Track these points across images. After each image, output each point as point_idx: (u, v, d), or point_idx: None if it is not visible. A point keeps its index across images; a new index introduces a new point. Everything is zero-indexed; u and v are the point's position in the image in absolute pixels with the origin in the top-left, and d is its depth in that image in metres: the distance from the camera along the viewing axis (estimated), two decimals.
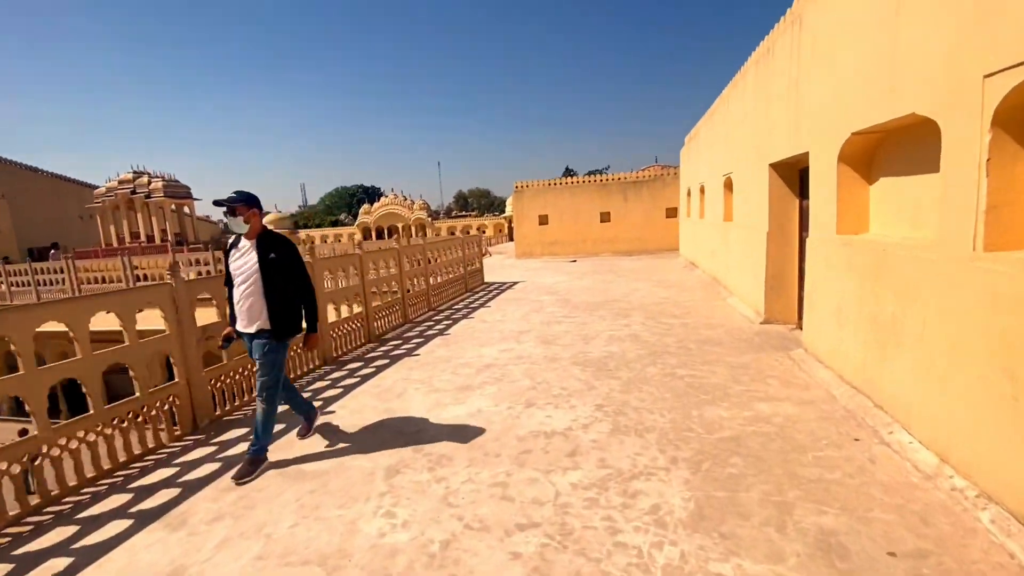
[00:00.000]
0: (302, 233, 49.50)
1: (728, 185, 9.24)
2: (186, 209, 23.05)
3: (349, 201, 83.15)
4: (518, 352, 6.05)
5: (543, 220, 20.35)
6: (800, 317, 6.23)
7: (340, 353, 6.33)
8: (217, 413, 4.40)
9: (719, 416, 3.81)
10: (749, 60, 7.35)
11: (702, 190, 12.23)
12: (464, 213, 77.17)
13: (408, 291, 8.51)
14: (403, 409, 4.40)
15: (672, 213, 19.03)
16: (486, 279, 13.43)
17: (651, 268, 13.92)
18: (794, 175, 6.19)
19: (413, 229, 45.27)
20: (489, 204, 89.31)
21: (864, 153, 4.16)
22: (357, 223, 47.67)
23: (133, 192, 21.43)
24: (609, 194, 19.64)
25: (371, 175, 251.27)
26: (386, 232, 46.03)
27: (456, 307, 9.59)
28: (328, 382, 5.33)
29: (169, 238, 21.29)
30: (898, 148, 3.80)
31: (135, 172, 21.94)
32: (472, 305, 9.71)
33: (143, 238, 20.84)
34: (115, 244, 21.86)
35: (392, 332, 7.63)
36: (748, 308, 7.21)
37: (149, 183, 21.55)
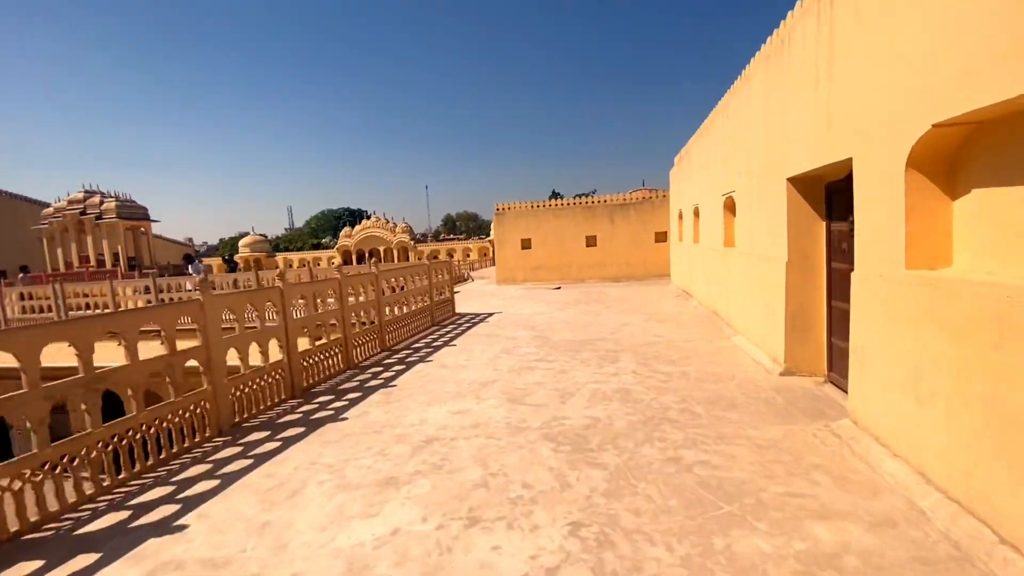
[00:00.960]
0: (280, 257, 47.81)
1: (729, 206, 8.09)
2: (143, 231, 21.46)
3: (335, 224, 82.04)
4: (475, 416, 4.67)
5: (526, 244, 19.16)
6: (830, 368, 4.96)
7: (244, 417, 4.89)
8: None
9: (758, 553, 2.46)
10: (754, 60, 6.26)
11: (696, 212, 11.12)
12: (451, 236, 76.42)
13: (356, 328, 7.12)
14: (285, 526, 2.98)
15: (662, 237, 17.98)
16: (460, 309, 12.08)
17: (641, 297, 12.69)
18: (818, 191, 5.00)
19: (395, 253, 43.91)
20: (477, 227, 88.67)
21: (946, 154, 2.95)
22: (337, 246, 46.18)
23: (83, 213, 19.88)
24: (595, 217, 18.56)
25: (360, 198, 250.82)
26: (367, 256, 44.59)
27: (416, 346, 8.20)
28: (208, 466, 3.89)
29: (121, 262, 19.68)
30: (1007, 143, 2.58)
31: (86, 192, 20.41)
32: (435, 343, 8.33)
33: (93, 262, 19.23)
34: (62, 268, 20.21)
35: (326, 382, 6.21)
36: (761, 353, 5.93)
37: (101, 203, 20.01)
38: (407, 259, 43.80)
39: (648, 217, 18.10)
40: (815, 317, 5.14)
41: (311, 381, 5.98)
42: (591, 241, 18.66)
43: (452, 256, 43.86)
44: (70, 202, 20.23)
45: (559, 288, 16.64)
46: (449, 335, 8.95)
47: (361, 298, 7.49)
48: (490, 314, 11.19)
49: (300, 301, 6.05)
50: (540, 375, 5.94)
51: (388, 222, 45.78)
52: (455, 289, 17.87)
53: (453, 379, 6.00)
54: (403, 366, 6.86)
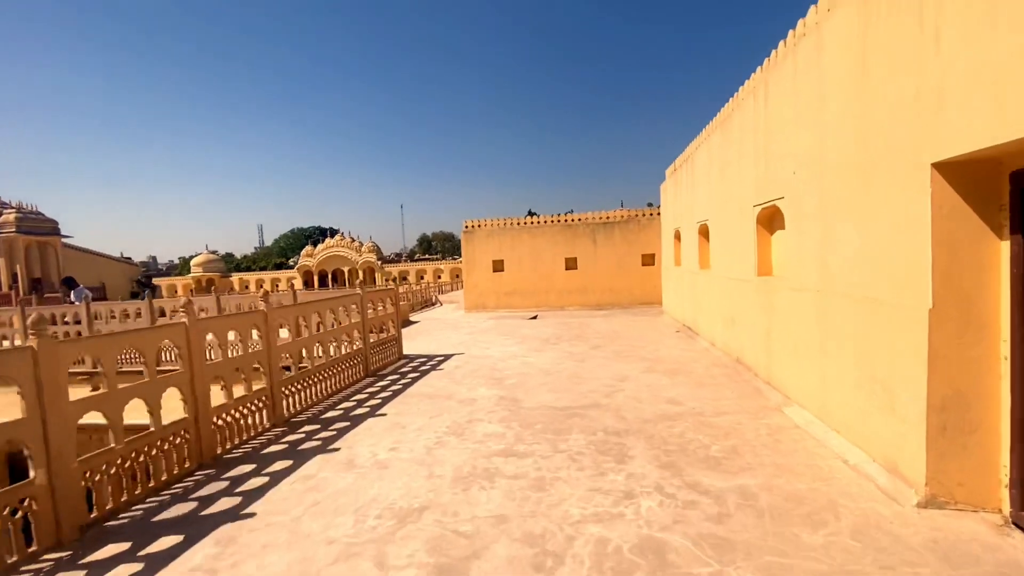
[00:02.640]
0: (236, 277, 44.40)
1: (765, 220, 5.95)
2: (52, 248, 18.35)
3: (304, 242, 79.20)
4: None
5: (498, 266, 16.87)
6: (1021, 504, 2.71)
7: None
8: None
9: None
10: None
11: (704, 231, 9.02)
12: (426, 257, 73.75)
13: (225, 396, 4.60)
14: None
15: (649, 260, 15.94)
16: (413, 347, 9.61)
17: (633, 332, 10.45)
18: (993, 186, 2.83)
19: (361, 273, 41.10)
20: (453, 248, 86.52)
21: None
22: (298, 266, 43.13)
23: None
24: (575, 237, 16.44)
25: (334, 218, 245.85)
26: (330, 277, 41.67)
27: (328, 415, 5.70)
28: None
29: (19, 283, 16.58)
30: None
31: None
32: (357, 410, 5.85)
33: None
34: None
35: (127, 514, 3.65)
36: (860, 454, 3.68)
37: None
38: (373, 280, 41.02)
39: (634, 238, 16.07)
40: (984, 408, 2.91)
41: (96, 514, 3.43)
42: (571, 264, 16.49)
43: (422, 278, 41.33)
44: None
45: (535, 317, 14.33)
46: (383, 395, 6.48)
47: (236, 351, 4.99)
48: (447, 357, 8.75)
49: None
50: (502, 493, 3.54)
51: (354, 241, 43.08)
52: (413, 319, 15.35)
53: (352, 505, 3.53)
54: (285, 463, 4.36)
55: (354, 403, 6.15)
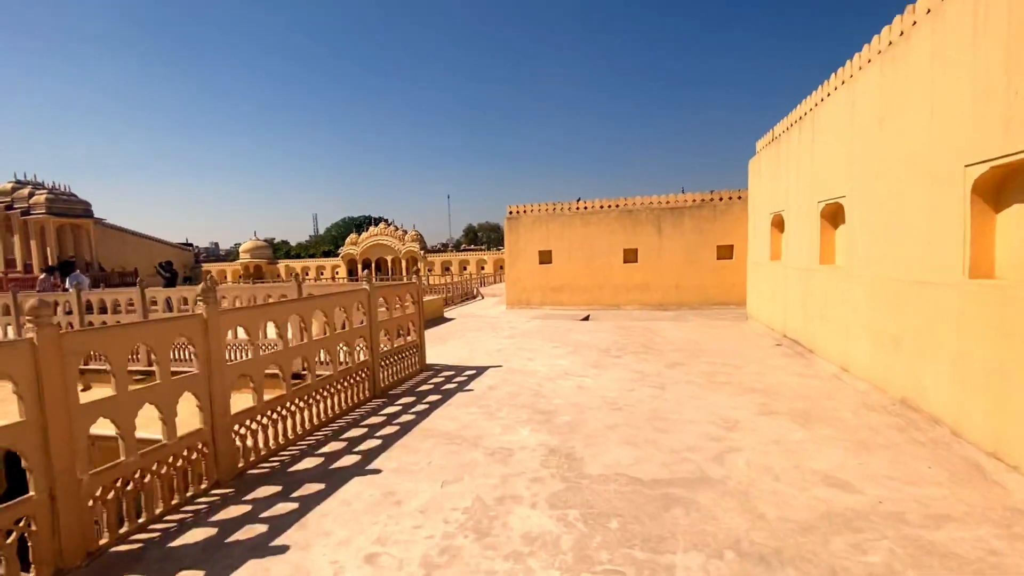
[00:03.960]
0: (282, 264, 44.58)
1: (985, 189, 3.65)
2: (85, 230, 17.97)
3: (355, 231, 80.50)
4: None
5: (545, 257, 14.84)
6: None
7: None
8: None
9: None
10: None
11: (832, 214, 6.66)
12: (472, 247, 72.74)
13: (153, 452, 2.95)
14: None
15: (726, 252, 13.45)
16: (441, 353, 7.81)
17: (719, 343, 8.20)
18: None
19: (404, 263, 40.12)
20: (498, 239, 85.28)
21: None
22: (342, 254, 42.67)
23: (9, 208, 16.52)
24: (636, 224, 14.14)
25: (385, 208, 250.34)
26: (373, 266, 40.94)
27: (299, 471, 3.93)
28: None
29: (50, 264, 16.22)
30: None
31: (16, 183, 17.05)
32: (336, 465, 4.05)
33: (20, 266, 15.85)
34: None
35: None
36: None
37: (31, 196, 16.62)
38: (416, 270, 39.92)
39: (708, 226, 13.60)
40: None
41: None
42: (630, 256, 14.23)
43: (465, 268, 39.86)
44: None
45: (587, 318, 12.24)
46: (385, 431, 4.67)
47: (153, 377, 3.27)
48: (480, 370, 6.87)
49: None
50: None
51: (397, 229, 42.17)
52: (448, 314, 13.38)
53: None
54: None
55: (343, 444, 4.37)
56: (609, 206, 14.55)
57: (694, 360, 7.09)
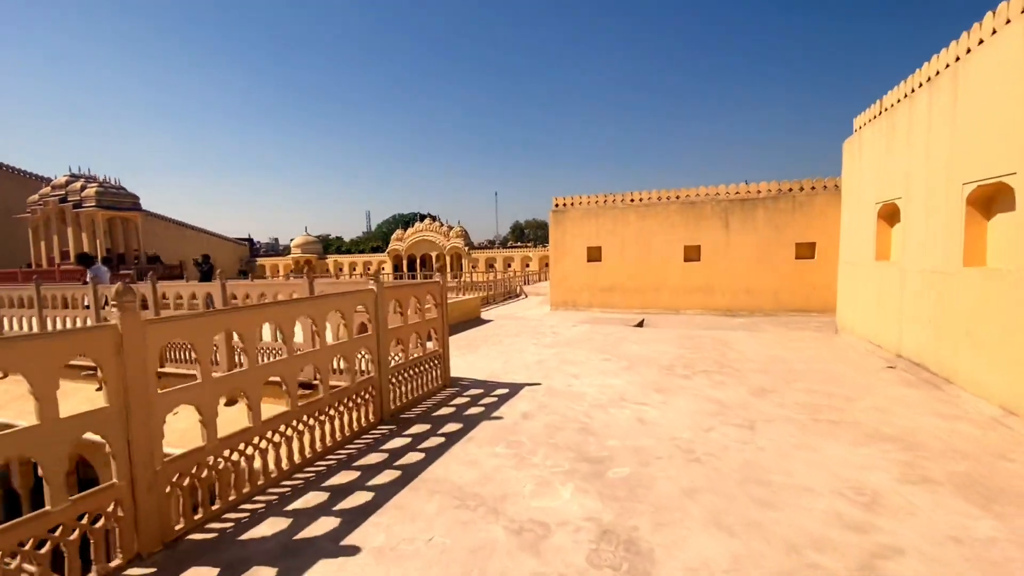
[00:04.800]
0: (331, 259, 45.23)
1: None
2: (135, 223, 18.22)
3: (404, 228, 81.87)
4: None
5: (594, 254, 13.45)
6: None
7: None
8: None
9: None
10: None
11: (984, 198, 4.98)
12: (518, 244, 71.53)
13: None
14: None
15: (807, 251, 11.58)
16: (467, 366, 6.68)
17: (811, 363, 6.59)
18: None
19: (448, 259, 39.58)
20: (545, 236, 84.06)
21: None
22: (388, 250, 42.71)
23: (63, 200, 16.94)
24: (700, 219, 12.49)
25: (434, 205, 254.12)
26: (418, 262, 40.68)
27: (250, 542, 2.86)
28: None
29: (97, 255, 16.50)
30: None
31: (71, 176, 17.49)
32: (300, 536, 2.94)
33: (72, 258, 16.20)
34: (44, 264, 17.48)
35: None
36: None
37: (82, 190, 16.96)
38: (459, 266, 39.29)
39: (785, 220, 11.76)
40: None
41: None
42: (691, 253, 12.59)
43: (509, 266, 38.83)
44: (53, 187, 17.41)
45: (641, 324, 10.81)
46: (379, 482, 3.55)
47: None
48: (514, 389, 5.67)
49: None
50: None
51: (442, 225, 41.72)
52: (486, 315, 11.97)
53: None
54: None
55: (323, 496, 3.29)
56: (668, 198, 12.95)
57: (786, 386, 5.58)
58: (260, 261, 44.33)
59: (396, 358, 5.07)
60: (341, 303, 4.27)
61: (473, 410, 4.99)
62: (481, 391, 5.65)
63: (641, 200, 13.17)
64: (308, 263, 43.64)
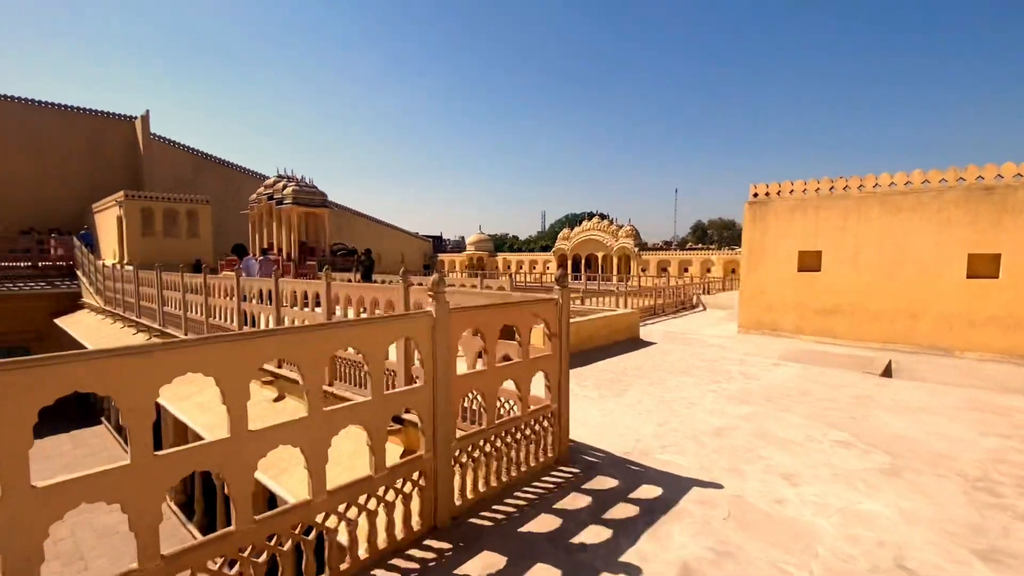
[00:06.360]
0: (500, 256, 46.38)
1: None
2: (323, 219, 20.10)
3: (572, 227, 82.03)
4: None
5: (808, 261, 9.77)
6: None
7: None
8: None
9: None
10: None
11: None
12: (699, 247, 64.08)
13: None
14: None
15: None
16: (598, 428, 4.49)
17: None
18: None
19: (615, 260, 36.93)
20: (732, 238, 75.04)
21: None
22: (554, 249, 41.85)
23: (270, 199, 19.42)
24: (1000, 212, 7.98)
25: (609, 204, 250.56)
26: (583, 262, 38.87)
27: None
28: None
29: (292, 252, 18.50)
30: None
31: (279, 176, 20.02)
32: None
33: (276, 251, 18.45)
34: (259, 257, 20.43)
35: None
36: None
37: (283, 188, 19.20)
38: (627, 269, 36.27)
39: None
40: None
41: None
42: (982, 265, 8.15)
43: (686, 270, 34.40)
44: (265, 186, 20.24)
45: (888, 371, 7.11)
46: None
47: None
48: (676, 489, 3.29)
49: None
50: None
51: (611, 224, 39.21)
52: (646, 336, 8.22)
53: None
54: None
55: None
56: (943, 182, 8.61)
57: None
58: (440, 257, 47.67)
59: (465, 426, 3.18)
60: (368, 336, 2.51)
61: (586, 536, 2.80)
62: (613, 484, 3.41)
63: (891, 185, 9.05)
64: (480, 260, 45.38)
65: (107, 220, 20.39)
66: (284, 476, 4.92)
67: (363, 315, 5.79)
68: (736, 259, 33.40)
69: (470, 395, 3.67)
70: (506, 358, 3.56)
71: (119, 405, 1.79)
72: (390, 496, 2.63)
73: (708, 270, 33.27)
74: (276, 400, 7.49)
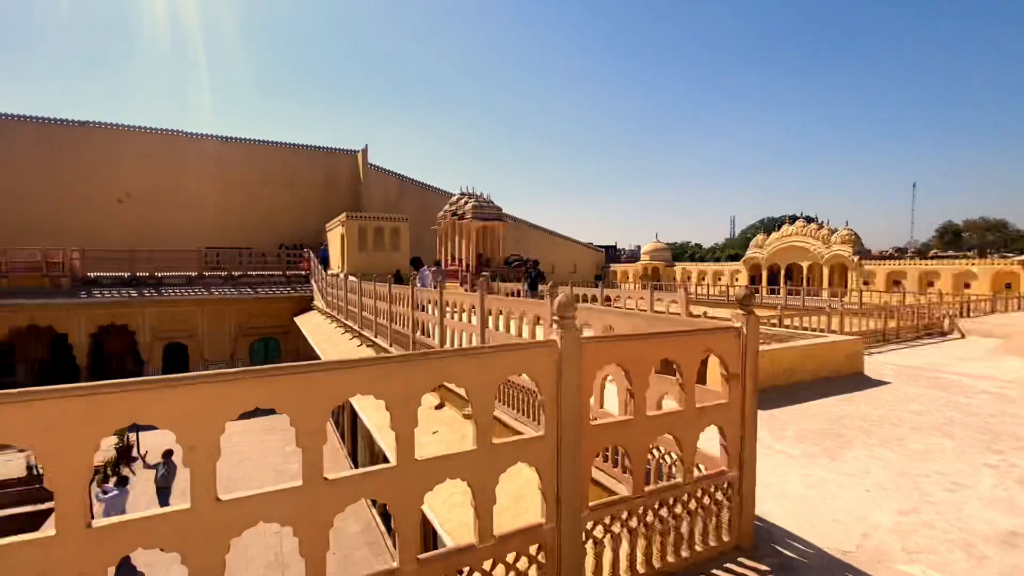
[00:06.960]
0: (679, 267, 43.10)
1: None
2: (499, 231, 21.05)
3: (768, 233, 72.76)
4: None
5: None
6: None
7: None
8: None
9: None
10: None
11: None
12: (949, 254, 48.99)
13: None
14: None
15: None
16: (802, 504, 3.28)
17: None
18: None
19: (825, 271, 31.01)
20: (1002, 241, 57.60)
21: None
22: (744, 258, 37.10)
23: (454, 215, 21.04)
24: None
25: (814, 204, 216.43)
26: (782, 274, 33.58)
27: None
28: None
29: (471, 264, 19.67)
30: None
31: (462, 194, 21.58)
32: None
33: (462, 264, 19.98)
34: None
35: None
36: None
37: (465, 204, 20.63)
38: (843, 282, 30.02)
39: None
40: None
41: None
42: None
43: (931, 284, 26.97)
44: (450, 203, 22.04)
45: None
46: None
47: None
48: None
49: None
50: None
51: (821, 228, 33.13)
52: (873, 372, 5.81)
53: None
54: None
55: None
56: None
57: None
58: (613, 267, 46.51)
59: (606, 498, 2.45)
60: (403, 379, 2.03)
61: None
62: None
63: None
64: (655, 270, 42.91)
65: (334, 237, 24.82)
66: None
67: (511, 327, 5.48)
68: (1013, 270, 24.90)
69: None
70: (639, 411, 2.75)
71: (293, 424, 1.78)
72: (497, 572, 2.09)
73: (967, 285, 25.61)
74: (437, 408, 7.73)
